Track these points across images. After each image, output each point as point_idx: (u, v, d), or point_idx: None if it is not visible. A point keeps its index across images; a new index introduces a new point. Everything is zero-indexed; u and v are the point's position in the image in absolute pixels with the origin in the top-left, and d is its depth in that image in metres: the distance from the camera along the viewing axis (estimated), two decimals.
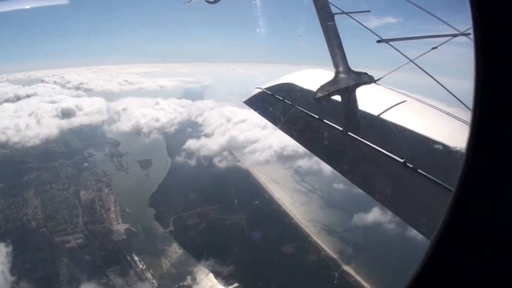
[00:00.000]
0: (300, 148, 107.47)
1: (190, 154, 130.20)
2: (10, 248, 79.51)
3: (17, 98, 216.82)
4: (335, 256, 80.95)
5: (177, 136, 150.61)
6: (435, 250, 3.20)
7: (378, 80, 9.70)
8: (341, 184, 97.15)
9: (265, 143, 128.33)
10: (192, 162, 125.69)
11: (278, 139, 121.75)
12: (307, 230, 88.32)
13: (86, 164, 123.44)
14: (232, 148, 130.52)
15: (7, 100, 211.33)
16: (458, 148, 6.48)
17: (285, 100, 11.19)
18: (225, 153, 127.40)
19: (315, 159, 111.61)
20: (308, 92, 10.58)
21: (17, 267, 75.88)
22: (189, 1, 12.85)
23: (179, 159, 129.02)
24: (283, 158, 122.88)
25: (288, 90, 11.64)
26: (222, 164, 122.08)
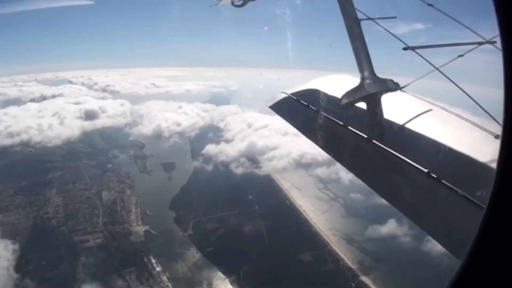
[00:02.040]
0: (319, 156, 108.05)
1: (210, 158, 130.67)
2: (18, 246, 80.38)
3: (43, 98, 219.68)
4: (353, 266, 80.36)
5: (199, 140, 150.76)
6: (468, 267, 3.17)
7: (403, 87, 9.59)
8: (363, 193, 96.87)
9: (284, 150, 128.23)
10: (213, 167, 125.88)
11: (297, 146, 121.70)
12: (327, 239, 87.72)
13: (110, 165, 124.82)
14: (251, 154, 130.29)
15: (32, 100, 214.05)
16: (482, 159, 6.41)
17: (310, 105, 11.13)
18: (244, 159, 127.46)
19: (334, 167, 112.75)
20: (333, 98, 10.51)
21: (33, 264, 76.78)
22: (216, 5, 12.84)
23: (200, 163, 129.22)
24: (302, 165, 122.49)
25: (313, 96, 11.56)
26: (243, 170, 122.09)
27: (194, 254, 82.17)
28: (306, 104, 11.39)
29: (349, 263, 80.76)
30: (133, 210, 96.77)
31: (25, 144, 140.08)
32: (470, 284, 3.22)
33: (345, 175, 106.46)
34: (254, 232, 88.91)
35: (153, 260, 79.31)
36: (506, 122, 2.78)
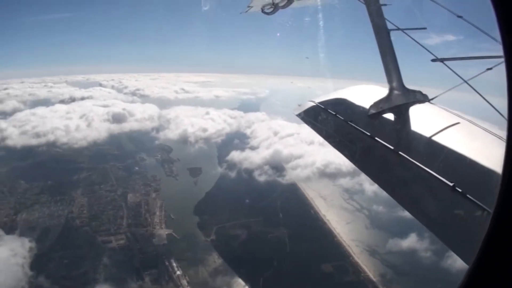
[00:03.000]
0: (344, 167, 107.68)
1: (235, 165, 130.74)
2: (35, 244, 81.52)
3: (72, 100, 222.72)
4: (375, 278, 79.69)
5: (225, 146, 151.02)
6: (476, 270, 3.19)
7: (432, 99, 9.56)
8: (386, 205, 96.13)
9: (309, 159, 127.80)
10: (238, 173, 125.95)
11: (322, 156, 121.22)
12: (349, 250, 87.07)
13: (137, 168, 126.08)
14: (276, 161, 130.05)
15: (61, 101, 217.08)
16: None
17: (337, 115, 11.08)
18: (268, 166, 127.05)
19: (358, 178, 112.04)
20: (361, 108, 10.47)
21: (54, 262, 77.78)
22: (246, 11, 12.89)
23: (226, 169, 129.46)
24: (326, 175, 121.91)
25: (341, 105, 11.53)
26: (267, 177, 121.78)
27: (215, 260, 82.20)
28: (334, 113, 11.35)
29: (371, 276, 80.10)
30: (158, 213, 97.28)
31: (51, 145, 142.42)
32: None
33: (369, 186, 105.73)
34: (276, 240, 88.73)
35: (174, 264, 79.59)
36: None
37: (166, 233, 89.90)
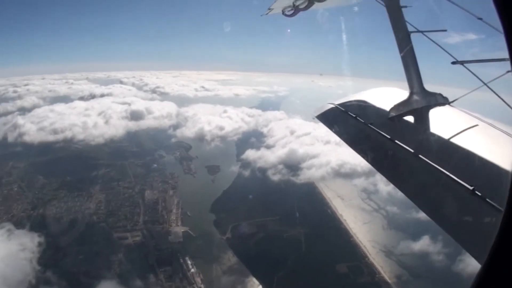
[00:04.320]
0: (359, 167, 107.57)
1: (250, 163, 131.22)
2: (44, 239, 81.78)
3: (91, 97, 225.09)
4: (390, 280, 79.36)
5: (242, 144, 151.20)
6: (484, 275, 3.20)
7: (452, 102, 9.52)
8: (400, 207, 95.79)
9: (324, 159, 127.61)
10: (255, 172, 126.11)
11: (338, 156, 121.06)
12: (365, 250, 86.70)
13: (155, 165, 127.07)
14: (291, 160, 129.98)
15: (81, 98, 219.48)
16: None
17: (357, 117, 11.06)
18: (283, 165, 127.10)
19: (372, 179, 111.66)
20: (381, 111, 10.44)
21: (70, 257, 78.36)
22: (266, 14, 12.91)
23: (242, 168, 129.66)
24: (341, 175, 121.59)
25: (361, 108, 11.50)
26: (282, 176, 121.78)
27: (230, 258, 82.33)
28: (354, 116, 11.34)
29: (386, 277, 79.76)
30: (174, 210, 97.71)
31: (69, 141, 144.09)
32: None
33: (384, 187, 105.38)
34: (292, 239, 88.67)
35: (189, 262, 79.82)
36: None
37: (182, 230, 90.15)
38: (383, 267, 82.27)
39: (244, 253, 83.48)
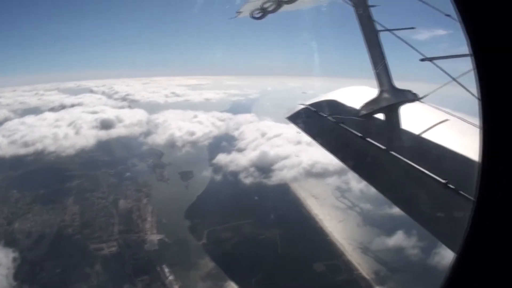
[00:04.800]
0: (330, 166, 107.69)
1: (222, 168, 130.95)
2: (19, 254, 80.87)
3: (62, 107, 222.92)
4: (368, 276, 79.82)
5: (213, 149, 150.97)
6: (458, 264, 3.27)
7: (422, 98, 9.64)
8: (374, 203, 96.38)
9: (296, 159, 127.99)
10: (227, 176, 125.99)
11: (309, 156, 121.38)
12: (342, 248, 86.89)
13: (128, 174, 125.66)
14: (263, 163, 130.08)
15: (51, 109, 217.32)
16: None
17: (328, 117, 11.16)
18: (254, 168, 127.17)
19: (345, 177, 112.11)
20: (352, 109, 10.56)
21: (47, 271, 77.44)
22: (235, 17, 12.95)
23: (214, 172, 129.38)
24: (313, 175, 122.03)
25: (332, 107, 11.60)
26: (254, 179, 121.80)
27: (207, 263, 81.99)
28: (325, 115, 11.42)
29: (364, 273, 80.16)
30: (149, 218, 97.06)
31: (40, 154, 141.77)
32: (462, 278, 3.31)
33: (356, 185, 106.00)
34: (268, 241, 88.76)
35: (166, 269, 79.35)
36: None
37: (158, 238, 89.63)
38: (361, 264, 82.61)
39: (221, 258, 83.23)
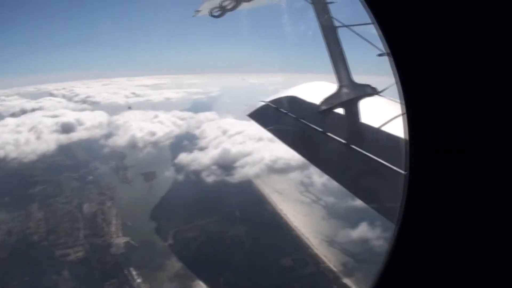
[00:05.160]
0: (293, 161, 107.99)
1: (185, 167, 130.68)
2: None
3: (23, 112, 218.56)
4: (335, 268, 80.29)
5: (175, 149, 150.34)
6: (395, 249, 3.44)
7: (381, 91, 9.77)
8: (338, 196, 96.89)
9: (258, 156, 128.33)
10: (190, 175, 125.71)
11: (271, 152, 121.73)
12: (308, 242, 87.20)
13: (91, 177, 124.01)
14: (225, 160, 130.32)
15: (12, 115, 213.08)
16: None
17: (289, 113, 11.24)
18: (217, 166, 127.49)
19: (307, 171, 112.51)
20: (312, 105, 10.64)
21: (16, 280, 75.97)
22: (194, 16, 12.94)
23: (177, 172, 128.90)
24: (276, 170, 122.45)
25: (292, 103, 11.68)
26: (217, 177, 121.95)
27: (174, 264, 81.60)
28: (286, 112, 11.50)
29: (331, 266, 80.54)
30: (114, 221, 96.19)
31: (2, 161, 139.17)
32: (399, 260, 3.46)
33: (319, 179, 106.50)
34: (234, 239, 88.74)
35: (133, 272, 78.65)
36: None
37: (124, 241, 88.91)
38: (327, 257, 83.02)
39: (188, 258, 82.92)
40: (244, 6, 11.30)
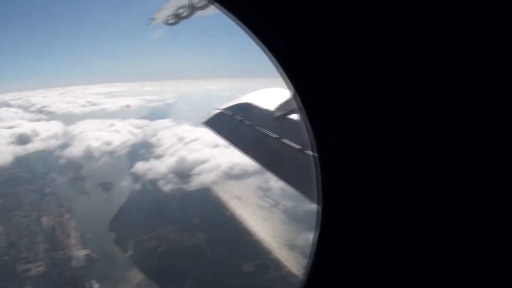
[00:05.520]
0: (249, 167, 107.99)
1: (142, 176, 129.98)
2: None
3: None
4: (298, 272, 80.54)
5: (131, 158, 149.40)
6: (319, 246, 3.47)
7: None
8: (295, 200, 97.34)
9: (214, 162, 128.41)
10: (146, 184, 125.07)
11: (228, 158, 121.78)
12: (269, 247, 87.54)
13: (48, 189, 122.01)
14: (182, 168, 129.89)
15: None
16: None
17: (244, 120, 11.23)
18: (174, 174, 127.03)
19: (264, 176, 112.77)
20: (267, 111, 10.64)
21: None
22: (148, 24, 12.90)
23: (134, 181, 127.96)
24: (233, 176, 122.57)
25: (247, 110, 11.65)
26: (175, 185, 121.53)
27: (136, 275, 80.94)
28: (241, 119, 11.48)
29: (293, 270, 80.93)
30: (73, 234, 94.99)
31: None
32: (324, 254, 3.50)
33: (276, 184, 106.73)
34: (195, 247, 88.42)
35: (95, 285, 77.91)
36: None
37: (84, 253, 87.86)
38: (289, 261, 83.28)
39: (149, 268, 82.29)
40: (198, 14, 11.28)
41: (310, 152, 8.54)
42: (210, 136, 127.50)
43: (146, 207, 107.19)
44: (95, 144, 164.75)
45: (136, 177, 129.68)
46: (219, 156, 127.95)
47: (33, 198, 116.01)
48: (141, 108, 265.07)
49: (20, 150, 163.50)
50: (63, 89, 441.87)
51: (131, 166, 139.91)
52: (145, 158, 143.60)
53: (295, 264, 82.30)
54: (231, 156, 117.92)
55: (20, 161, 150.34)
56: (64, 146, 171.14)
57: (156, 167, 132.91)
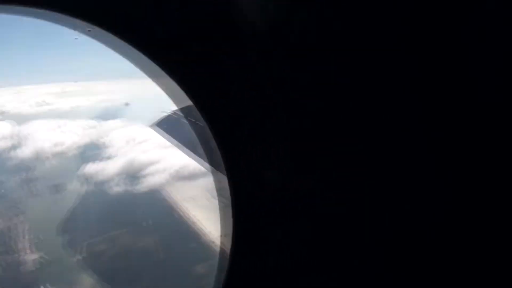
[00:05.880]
0: (201, 167, 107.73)
1: (92, 177, 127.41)
2: None
3: None
4: None
5: (82, 159, 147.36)
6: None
7: None
8: None
9: (166, 163, 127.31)
10: (96, 186, 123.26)
11: (179, 159, 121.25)
12: (222, 246, 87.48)
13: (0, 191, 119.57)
14: (132, 170, 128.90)
15: None
16: None
17: (197, 122, 11.28)
18: (125, 175, 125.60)
19: (217, 177, 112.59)
20: None
21: None
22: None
23: (84, 183, 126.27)
24: (185, 177, 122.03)
25: (195, 111, 11.67)
26: (126, 187, 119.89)
27: (89, 278, 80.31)
28: (193, 120, 11.56)
29: None
30: (24, 237, 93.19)
31: None
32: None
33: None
34: (148, 249, 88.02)
35: None
36: None
37: (36, 257, 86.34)
38: None
39: (101, 271, 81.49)
40: None
41: None
42: (161, 137, 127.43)
43: (97, 209, 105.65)
44: (45, 145, 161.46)
45: (87, 179, 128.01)
46: (171, 157, 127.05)
47: None
48: (91, 109, 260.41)
49: None
50: (16, 88, 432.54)
51: (82, 167, 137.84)
52: (96, 159, 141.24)
53: None
54: (183, 157, 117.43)
55: None
56: (15, 147, 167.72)
57: (107, 168, 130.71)
